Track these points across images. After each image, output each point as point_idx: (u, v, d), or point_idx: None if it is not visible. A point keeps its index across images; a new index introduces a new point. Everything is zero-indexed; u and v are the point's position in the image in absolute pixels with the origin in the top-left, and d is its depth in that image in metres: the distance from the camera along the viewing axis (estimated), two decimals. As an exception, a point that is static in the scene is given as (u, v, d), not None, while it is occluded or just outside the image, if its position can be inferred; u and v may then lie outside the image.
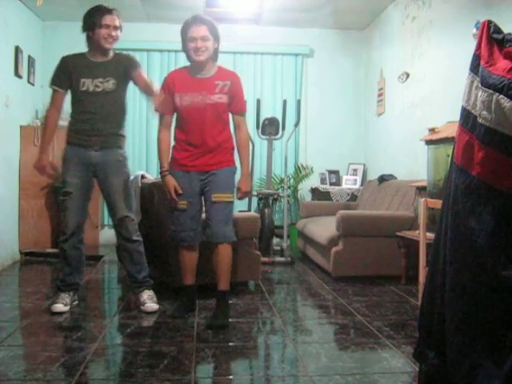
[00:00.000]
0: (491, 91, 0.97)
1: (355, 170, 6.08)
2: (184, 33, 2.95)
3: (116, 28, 3.10)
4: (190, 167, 2.98)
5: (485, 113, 0.98)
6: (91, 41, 3.11)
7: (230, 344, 2.58)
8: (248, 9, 5.62)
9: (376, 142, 5.93)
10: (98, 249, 5.61)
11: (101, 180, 3.18)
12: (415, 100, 4.78)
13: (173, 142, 3.10)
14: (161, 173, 3.04)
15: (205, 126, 2.93)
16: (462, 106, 1.07)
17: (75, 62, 3.12)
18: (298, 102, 5.49)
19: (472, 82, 1.05)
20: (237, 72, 3.20)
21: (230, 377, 2.23)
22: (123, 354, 2.50)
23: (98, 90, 3.08)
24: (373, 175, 5.73)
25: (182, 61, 6.08)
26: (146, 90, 3.01)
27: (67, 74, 3.10)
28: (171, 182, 2.97)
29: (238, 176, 3.10)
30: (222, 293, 3.00)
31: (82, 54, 3.16)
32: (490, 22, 1.06)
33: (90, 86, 3.08)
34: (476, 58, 1.06)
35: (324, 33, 6.28)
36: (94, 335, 2.73)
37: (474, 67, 1.05)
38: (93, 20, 3.05)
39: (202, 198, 3.05)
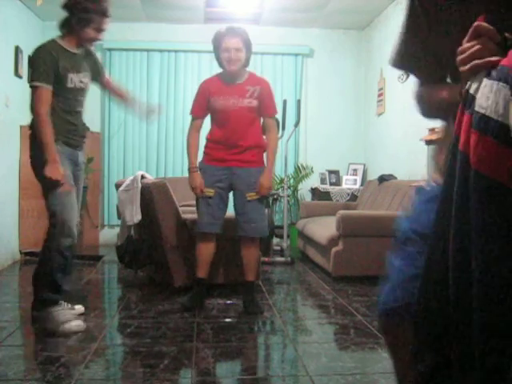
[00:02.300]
0: (492, 81, 0.98)
1: (355, 170, 6.08)
2: (217, 42, 3.12)
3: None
4: (222, 162, 3.18)
5: (482, 101, 0.99)
6: (75, 31, 2.77)
7: (230, 344, 2.58)
8: (248, 9, 5.62)
9: (376, 141, 5.93)
10: (97, 249, 5.61)
11: (76, 181, 2.92)
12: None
13: (203, 141, 3.29)
14: (189, 169, 3.23)
15: (236, 127, 3.15)
16: (466, 90, 1.07)
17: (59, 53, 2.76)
18: (298, 102, 5.49)
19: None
20: (265, 79, 3.39)
21: (230, 377, 2.23)
22: (123, 353, 2.51)
23: (82, 85, 2.87)
24: (373, 175, 5.73)
25: (182, 61, 6.09)
26: (122, 96, 3.15)
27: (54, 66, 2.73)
28: (198, 178, 3.18)
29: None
30: (250, 283, 3.26)
31: (54, 41, 2.78)
32: (486, 17, 1.06)
33: (75, 82, 2.81)
34: None
35: (324, 33, 6.28)
36: (94, 335, 2.73)
37: None
38: (94, 15, 2.75)
39: (232, 195, 3.27)
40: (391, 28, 5.43)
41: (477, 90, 1.04)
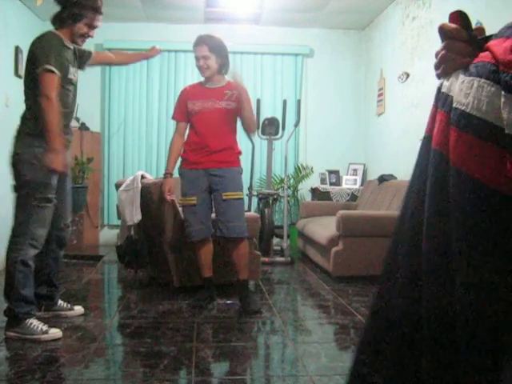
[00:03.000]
0: (471, 77, 0.96)
1: (355, 170, 6.08)
2: (194, 52, 3.25)
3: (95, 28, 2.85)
4: (198, 164, 3.22)
5: (461, 97, 0.96)
6: (68, 26, 2.76)
7: (230, 344, 2.58)
8: (248, 9, 5.62)
9: (376, 141, 5.93)
10: (98, 249, 5.62)
11: (62, 182, 2.85)
12: (415, 100, 4.78)
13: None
14: (164, 174, 3.35)
15: (214, 128, 3.21)
16: (438, 88, 1.04)
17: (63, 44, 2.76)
18: (298, 102, 5.49)
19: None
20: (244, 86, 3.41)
21: (230, 377, 2.23)
22: (123, 353, 2.51)
23: (75, 80, 2.87)
24: (373, 175, 5.73)
25: (182, 61, 6.09)
26: (127, 57, 3.43)
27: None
28: (168, 184, 3.31)
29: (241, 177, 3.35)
30: (243, 281, 3.27)
31: (54, 33, 2.74)
32: (458, 13, 1.04)
33: (72, 75, 2.82)
34: None
35: (324, 33, 6.28)
36: (93, 335, 2.73)
37: None
38: (87, 10, 2.74)
39: (212, 197, 3.28)
40: (391, 28, 5.43)
41: (450, 87, 1.02)
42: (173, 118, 3.41)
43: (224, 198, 3.17)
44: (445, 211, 0.99)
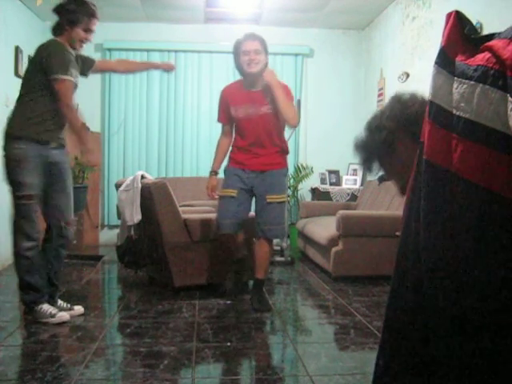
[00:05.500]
0: (473, 82, 0.92)
1: (355, 170, 6.08)
2: (237, 49, 3.17)
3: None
4: (245, 165, 3.27)
5: (463, 105, 0.92)
6: (66, 32, 2.89)
7: (230, 344, 2.58)
8: (248, 9, 5.62)
9: (376, 141, 5.92)
10: (98, 249, 5.61)
11: (56, 180, 2.93)
12: (415, 100, 4.78)
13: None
14: (210, 172, 3.44)
15: (258, 135, 3.22)
16: (430, 101, 1.01)
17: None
18: (298, 102, 5.49)
19: (437, 74, 1.01)
20: (283, 82, 3.36)
21: (230, 377, 2.23)
22: (123, 353, 2.50)
23: (77, 83, 2.97)
24: (373, 175, 5.72)
25: (182, 61, 6.09)
26: (134, 65, 3.48)
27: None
28: (212, 181, 3.41)
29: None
30: (260, 280, 3.31)
31: (58, 41, 2.89)
32: (458, 13, 1.02)
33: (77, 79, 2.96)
34: (443, 52, 1.02)
35: (324, 33, 6.27)
36: (94, 335, 2.73)
37: (442, 61, 1.02)
38: (81, 16, 2.87)
39: (254, 197, 3.32)
40: (391, 28, 5.43)
41: (435, 93, 0.97)
42: (218, 120, 3.42)
43: (268, 200, 3.20)
44: (446, 224, 0.95)
